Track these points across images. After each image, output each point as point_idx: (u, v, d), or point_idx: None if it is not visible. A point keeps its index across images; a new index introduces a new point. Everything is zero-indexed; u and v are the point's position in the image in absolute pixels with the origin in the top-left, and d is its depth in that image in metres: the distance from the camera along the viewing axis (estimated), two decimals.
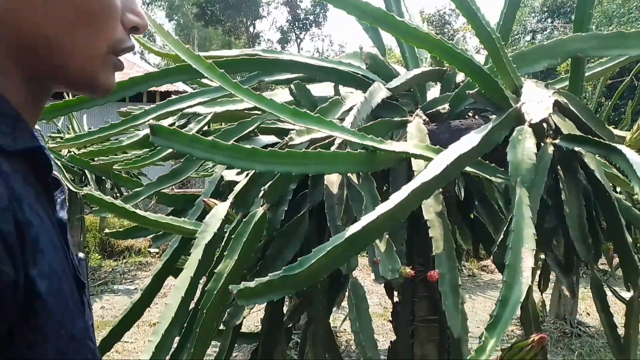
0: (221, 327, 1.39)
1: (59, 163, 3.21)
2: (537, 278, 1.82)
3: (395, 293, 1.52)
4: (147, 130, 1.06)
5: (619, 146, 0.98)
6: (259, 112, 1.44)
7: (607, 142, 1.01)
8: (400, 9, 1.41)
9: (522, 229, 0.89)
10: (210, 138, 0.82)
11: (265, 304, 1.54)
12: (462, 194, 1.83)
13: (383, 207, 0.91)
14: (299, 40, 28.02)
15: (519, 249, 0.86)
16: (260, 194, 1.04)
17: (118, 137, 1.60)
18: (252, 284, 0.79)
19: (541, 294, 1.67)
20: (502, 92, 1.06)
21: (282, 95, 1.53)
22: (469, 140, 0.99)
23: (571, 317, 4.76)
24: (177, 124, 1.61)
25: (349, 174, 1.04)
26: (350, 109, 1.18)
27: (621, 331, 1.23)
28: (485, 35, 1.01)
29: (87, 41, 0.51)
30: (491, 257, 1.51)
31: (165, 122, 1.58)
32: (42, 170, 0.51)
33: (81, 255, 0.61)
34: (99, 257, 7.22)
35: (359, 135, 0.98)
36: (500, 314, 0.81)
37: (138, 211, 1.08)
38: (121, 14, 0.53)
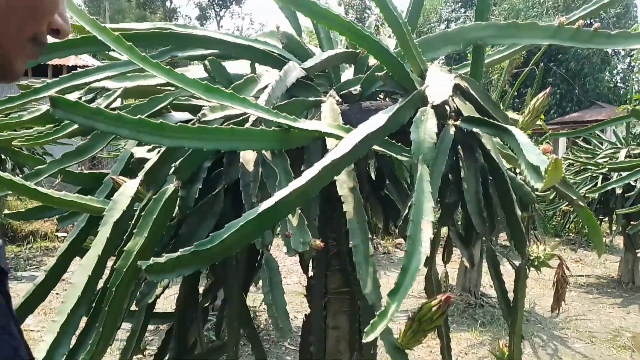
0: (134, 308, 1.37)
1: None
2: (441, 252, 1.95)
3: (310, 268, 1.57)
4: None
5: (510, 127, 1.07)
6: (172, 88, 1.41)
7: (501, 124, 1.10)
8: None
9: (422, 202, 0.95)
10: (116, 112, 0.80)
11: (180, 284, 1.54)
12: (374, 173, 1.92)
13: (295, 183, 0.94)
14: (218, 18, 27.26)
15: (419, 221, 0.93)
16: (172, 171, 1.03)
17: (19, 113, 1.49)
18: (161, 260, 0.79)
19: (444, 266, 1.79)
20: (407, 75, 1.12)
21: (196, 71, 1.51)
22: (377, 120, 1.04)
23: (475, 289, 5.13)
24: (83, 98, 1.54)
25: (263, 152, 1.06)
26: (266, 87, 1.19)
27: (511, 296, 1.36)
28: (392, 21, 1.06)
29: (18, 25, 0.52)
30: (397, 231, 1.60)
31: (71, 97, 1.50)
32: None
33: None
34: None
35: (273, 113, 1.00)
36: (401, 280, 0.87)
37: (40, 189, 1.03)
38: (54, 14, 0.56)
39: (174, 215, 1.22)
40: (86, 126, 0.78)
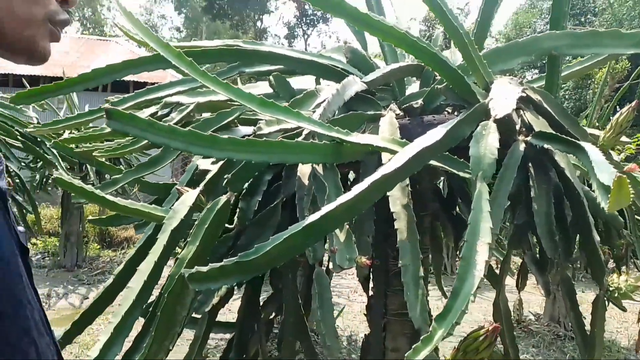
0: (197, 315, 1.40)
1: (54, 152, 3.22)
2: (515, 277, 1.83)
3: (371, 286, 1.53)
4: None
5: (583, 144, 0.98)
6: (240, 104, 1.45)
7: (573, 140, 1.02)
8: (380, 4, 1.41)
9: (479, 222, 0.89)
10: (168, 124, 0.83)
11: (242, 295, 1.56)
12: (446, 191, 1.84)
13: (343, 198, 0.92)
14: (306, 37, 27.99)
15: (474, 242, 0.87)
16: (224, 182, 1.05)
17: (101, 125, 1.61)
18: (204, 269, 0.80)
19: (519, 293, 1.67)
20: (469, 87, 1.06)
21: (263, 87, 1.54)
22: (434, 135, 1.00)
23: (565, 320, 4.75)
24: (160, 113, 1.63)
25: (315, 166, 1.05)
26: (324, 101, 1.19)
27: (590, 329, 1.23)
28: (452, 31, 1.02)
29: (23, 7, 0.53)
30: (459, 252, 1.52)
31: (148, 112, 1.60)
32: None
33: (20, 229, 0.61)
34: (98, 247, 7.26)
35: (325, 127, 0.99)
36: (450, 304, 0.82)
37: (108, 196, 1.10)
38: None
39: (233, 226, 1.25)
40: (140, 138, 0.81)
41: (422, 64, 1.40)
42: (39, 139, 3.15)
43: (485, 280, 1.57)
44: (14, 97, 1.21)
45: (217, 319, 1.57)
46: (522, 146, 1.16)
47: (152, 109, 1.61)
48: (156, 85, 1.45)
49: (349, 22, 1.00)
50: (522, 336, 4.44)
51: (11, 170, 3.35)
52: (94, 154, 1.48)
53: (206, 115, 1.71)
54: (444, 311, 0.82)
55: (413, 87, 1.50)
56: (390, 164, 0.96)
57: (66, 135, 2.78)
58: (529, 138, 1.17)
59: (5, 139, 3.21)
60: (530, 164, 1.22)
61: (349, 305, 4.96)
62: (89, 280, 5.81)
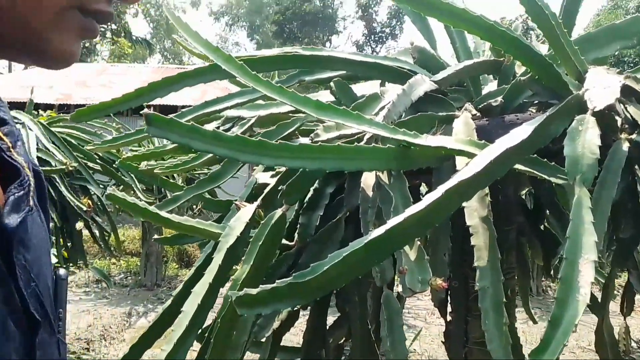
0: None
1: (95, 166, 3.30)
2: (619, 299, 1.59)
3: (449, 310, 1.37)
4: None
5: None
6: (302, 115, 1.37)
7: None
8: None
9: (581, 235, 0.74)
10: (212, 129, 0.76)
11: (307, 317, 1.46)
12: (531, 203, 1.65)
13: (413, 209, 0.79)
14: (375, 54, 28.00)
15: (575, 260, 0.72)
16: (279, 195, 0.96)
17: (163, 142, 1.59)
18: (253, 291, 0.70)
19: (624, 318, 1.44)
20: (558, 76, 0.91)
21: (325, 96, 1.46)
22: (519, 134, 0.85)
23: None
24: (221, 128, 1.58)
25: (378, 174, 0.93)
26: (389, 103, 1.07)
27: None
28: (536, 13, 0.87)
29: None
30: (553, 272, 1.33)
31: (209, 127, 1.56)
32: None
33: (62, 272, 0.50)
34: (177, 266, 7.49)
35: (390, 129, 0.88)
36: (549, 336, 0.67)
37: (162, 213, 1.04)
38: None
39: (293, 243, 1.15)
40: (182, 144, 0.74)
41: (500, 59, 1.25)
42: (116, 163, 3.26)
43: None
44: (74, 114, 1.20)
45: (284, 343, 1.48)
46: (625, 145, 0.98)
47: (214, 124, 1.57)
48: (216, 97, 1.40)
49: (424, 13, 0.88)
50: None
51: (92, 192, 3.49)
52: (155, 171, 1.45)
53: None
54: (542, 345, 0.66)
55: (490, 85, 1.35)
56: (467, 168, 0.83)
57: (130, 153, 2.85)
58: (633, 136, 0.99)
59: (87, 163, 3.35)
60: (636, 167, 1.03)
61: (426, 327, 4.72)
62: (168, 299, 5.97)
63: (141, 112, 0.68)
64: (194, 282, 1.22)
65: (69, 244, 3.38)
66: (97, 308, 5.58)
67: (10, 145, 0.45)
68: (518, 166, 0.92)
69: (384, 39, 28.06)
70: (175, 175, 4.66)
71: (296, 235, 1.14)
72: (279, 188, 0.96)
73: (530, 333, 4.41)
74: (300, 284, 0.72)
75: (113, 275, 6.91)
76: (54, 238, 3.46)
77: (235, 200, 1.36)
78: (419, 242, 0.83)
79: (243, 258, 0.93)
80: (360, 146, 0.84)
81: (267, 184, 1.20)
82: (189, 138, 0.71)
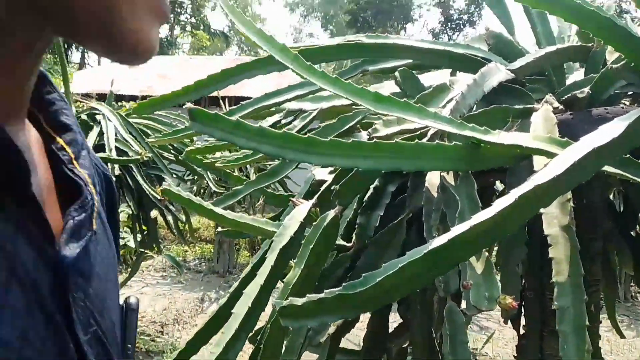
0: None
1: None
2: None
3: (523, 323, 1.25)
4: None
5: None
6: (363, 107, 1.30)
7: None
8: None
9: None
10: (258, 125, 0.71)
11: (368, 320, 1.39)
12: (621, 206, 1.48)
13: (480, 216, 0.70)
14: (451, 42, 27.13)
15: None
16: (332, 195, 0.89)
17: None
18: (299, 302, 0.65)
19: None
20: None
21: (390, 87, 1.37)
22: (609, 131, 0.73)
23: None
24: (283, 121, 1.55)
25: (443, 174, 0.85)
26: (458, 94, 0.97)
27: None
28: None
29: None
30: None
31: (271, 120, 1.52)
32: (12, 174, 0.31)
33: (133, 300, 0.45)
34: (248, 254, 7.66)
35: (457, 124, 0.79)
36: None
37: (217, 209, 1.01)
38: None
39: (351, 244, 1.09)
40: (226, 141, 0.70)
41: (588, 45, 1.11)
42: None
43: None
44: (136, 107, 1.20)
45: (349, 338, 1.43)
46: None
47: (276, 117, 1.53)
48: (276, 90, 1.36)
49: None
50: None
51: (167, 182, 3.61)
52: (216, 164, 1.44)
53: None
54: None
55: (576, 75, 1.21)
56: (546, 170, 0.72)
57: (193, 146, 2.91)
58: None
59: (161, 153, 3.46)
60: None
61: (500, 330, 4.49)
62: None
63: (184, 106, 0.65)
64: (247, 281, 1.19)
65: (145, 232, 3.53)
66: (172, 292, 5.82)
67: (73, 156, 0.40)
68: (607, 168, 0.80)
69: (462, 27, 27.05)
70: (248, 166, 4.71)
71: (354, 235, 1.07)
72: (332, 188, 0.90)
73: (616, 342, 4.08)
74: (349, 295, 0.65)
75: (188, 261, 7.19)
76: (129, 226, 3.61)
77: (294, 196, 1.32)
78: (487, 253, 0.74)
79: (294, 261, 0.88)
80: (421, 143, 0.76)
81: (324, 181, 1.14)
82: (233, 135, 0.67)
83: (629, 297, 5.85)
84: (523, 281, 1.24)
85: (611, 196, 1.68)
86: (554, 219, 0.81)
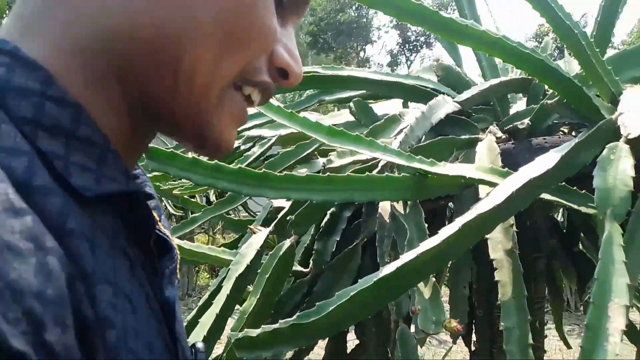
0: None
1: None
2: None
3: (474, 339, 1.30)
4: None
5: None
6: None
7: None
8: (475, 10, 1.22)
9: (610, 276, 0.67)
10: (214, 162, 0.73)
11: (326, 342, 1.41)
12: (566, 225, 1.57)
13: (427, 244, 0.75)
14: (408, 62, 27.83)
15: (604, 305, 0.65)
16: (288, 225, 0.92)
17: None
18: (253, 332, 0.67)
19: None
20: (588, 100, 0.84)
21: (346, 115, 1.42)
22: (545, 161, 0.79)
23: None
24: (242, 147, 1.57)
25: (393, 204, 0.89)
26: (407, 126, 1.02)
27: None
28: (564, 31, 0.81)
29: (215, 60, 0.33)
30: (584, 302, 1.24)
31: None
32: (140, 227, 0.35)
33: (200, 345, 0.46)
34: (208, 276, 7.55)
35: (405, 156, 0.83)
36: None
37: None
38: (274, 45, 0.37)
39: (308, 270, 1.11)
40: (183, 178, 0.71)
41: (529, 77, 1.19)
42: None
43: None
44: None
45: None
46: None
47: (235, 143, 1.55)
48: None
49: (425, 28, 0.84)
50: None
51: None
52: (173, 192, 1.44)
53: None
54: None
55: (519, 104, 1.28)
56: (487, 200, 0.77)
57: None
58: None
59: None
60: None
61: (459, 344, 4.57)
62: None
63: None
64: (204, 309, 1.20)
65: None
66: None
67: (158, 219, 0.44)
68: (545, 195, 0.86)
69: (419, 48, 27.84)
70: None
71: (311, 261, 1.10)
72: (288, 218, 0.93)
73: (567, 352, 4.21)
74: (303, 325, 0.68)
75: None
76: None
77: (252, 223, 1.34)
78: (433, 279, 0.78)
79: (251, 289, 0.90)
80: (371, 176, 0.80)
81: (282, 207, 1.17)
82: (189, 172, 0.69)
83: (579, 307, 6.06)
84: (474, 300, 1.30)
85: (560, 216, 1.77)
86: (499, 244, 0.86)
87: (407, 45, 27.64)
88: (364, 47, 28.46)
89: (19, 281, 0.21)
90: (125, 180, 0.33)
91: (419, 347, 0.83)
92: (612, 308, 0.64)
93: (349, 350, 1.38)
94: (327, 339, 1.36)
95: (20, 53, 0.31)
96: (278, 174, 0.74)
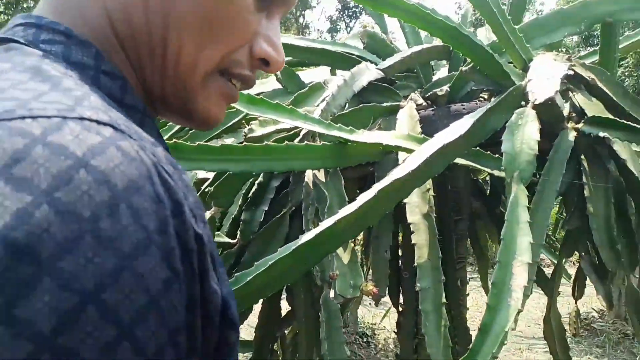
0: None
1: None
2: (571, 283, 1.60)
3: (401, 301, 1.35)
4: None
5: None
6: None
7: (636, 126, 0.81)
8: None
9: (515, 236, 0.71)
10: None
11: (259, 311, 1.43)
12: (489, 188, 1.64)
13: (346, 210, 0.76)
14: (348, 29, 27.70)
15: (508, 263, 0.69)
16: (207, 197, 0.91)
17: None
18: None
19: (575, 302, 1.45)
20: (499, 67, 0.87)
21: (273, 83, 1.40)
22: (457, 128, 0.82)
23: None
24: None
25: (314, 172, 0.89)
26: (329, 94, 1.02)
27: None
28: (478, 1, 0.83)
29: (197, 46, 0.38)
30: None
31: None
32: None
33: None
34: None
35: (325, 125, 0.83)
36: (477, 345, 0.64)
37: None
38: (253, 37, 0.41)
39: (235, 241, 1.11)
40: None
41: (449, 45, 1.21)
42: None
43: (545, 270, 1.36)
44: None
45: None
46: (572, 135, 0.95)
47: None
48: None
49: None
50: (585, 335, 4.11)
51: None
52: None
53: None
54: (471, 354, 0.64)
55: (442, 71, 1.31)
56: (402, 166, 0.79)
57: None
58: (580, 125, 0.97)
59: None
60: (582, 157, 1.01)
61: None
62: None
63: None
64: None
65: None
66: None
67: None
68: (459, 160, 0.89)
69: (358, 14, 27.73)
70: None
71: (238, 232, 1.09)
72: (206, 190, 0.91)
73: None
74: None
75: None
76: None
77: None
78: (352, 245, 0.80)
79: None
80: (290, 145, 0.79)
81: (206, 179, 1.15)
82: None
83: None
84: (400, 262, 1.34)
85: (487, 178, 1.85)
86: (416, 208, 0.89)
87: (346, 12, 27.47)
88: (303, 12, 28.02)
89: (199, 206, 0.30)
90: (162, 142, 0.38)
91: (359, 309, 0.85)
92: (516, 266, 0.68)
93: (283, 316, 1.40)
94: (260, 306, 1.37)
95: (73, 33, 0.35)
96: (190, 144, 0.72)
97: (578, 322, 1.49)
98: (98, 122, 0.26)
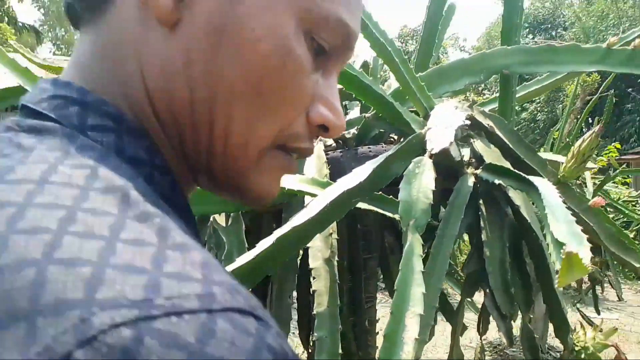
0: None
1: None
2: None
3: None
4: None
5: (536, 181, 0.81)
6: None
7: (524, 176, 0.85)
8: None
9: (409, 286, 0.71)
10: None
11: None
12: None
13: (243, 259, 0.73)
14: None
15: (401, 315, 0.69)
16: None
17: None
18: None
19: (480, 338, 1.49)
20: (399, 115, 0.89)
21: None
22: (359, 174, 0.82)
23: (541, 342, 4.60)
24: None
25: (215, 216, 0.86)
26: None
27: None
28: (379, 49, 0.85)
29: (249, 121, 0.34)
30: None
31: None
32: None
33: None
34: None
35: None
36: None
37: None
38: (310, 103, 0.36)
39: None
40: None
41: None
42: None
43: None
44: None
45: None
46: (471, 180, 0.99)
47: None
48: None
49: None
50: None
51: None
52: None
53: None
54: None
55: (355, 111, 1.33)
56: (304, 212, 0.78)
57: None
58: (479, 171, 1.01)
59: None
60: (481, 201, 1.05)
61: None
62: None
63: None
64: None
65: None
66: None
67: None
68: (361, 205, 0.90)
69: None
70: None
71: None
72: None
73: None
74: None
75: None
76: None
77: None
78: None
79: None
80: None
81: None
82: None
83: None
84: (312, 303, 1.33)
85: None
86: (318, 252, 0.88)
87: None
88: None
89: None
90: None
91: None
92: (408, 317, 0.69)
93: None
94: None
95: (125, 117, 0.32)
96: None
97: (483, 357, 1.53)
98: (240, 311, 0.22)
